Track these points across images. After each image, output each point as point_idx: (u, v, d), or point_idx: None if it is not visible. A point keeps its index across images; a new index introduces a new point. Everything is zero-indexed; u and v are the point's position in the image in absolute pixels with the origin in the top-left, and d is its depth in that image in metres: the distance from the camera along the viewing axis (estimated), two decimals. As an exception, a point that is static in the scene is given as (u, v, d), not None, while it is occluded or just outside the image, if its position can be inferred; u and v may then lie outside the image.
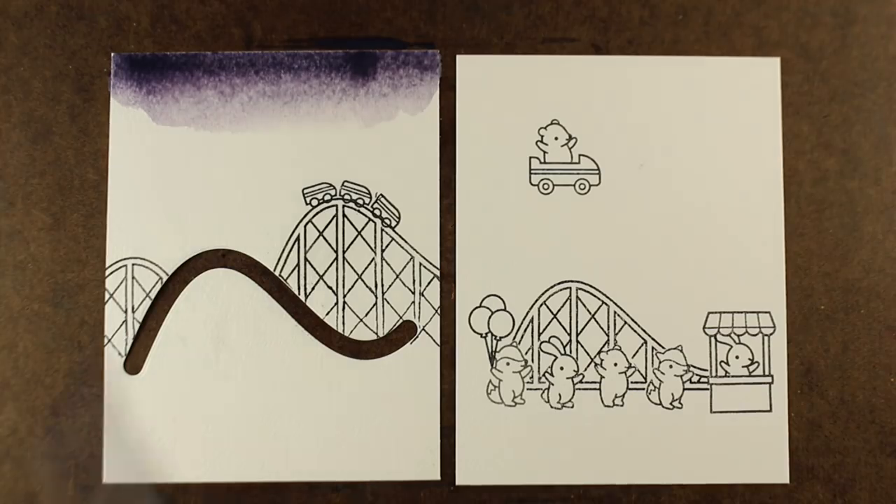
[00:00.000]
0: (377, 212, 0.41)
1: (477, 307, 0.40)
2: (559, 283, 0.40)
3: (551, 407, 0.40)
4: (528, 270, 0.40)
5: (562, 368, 0.40)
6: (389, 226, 0.41)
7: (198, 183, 0.41)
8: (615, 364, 0.40)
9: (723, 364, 0.40)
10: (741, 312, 0.40)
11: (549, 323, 0.40)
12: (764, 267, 0.41)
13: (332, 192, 0.41)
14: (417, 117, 0.41)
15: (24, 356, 0.40)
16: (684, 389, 0.40)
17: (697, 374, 0.40)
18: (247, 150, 0.41)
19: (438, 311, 0.40)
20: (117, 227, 0.40)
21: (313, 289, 0.40)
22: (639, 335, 0.40)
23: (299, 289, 0.40)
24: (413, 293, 0.40)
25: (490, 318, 0.40)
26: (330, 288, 0.40)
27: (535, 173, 0.41)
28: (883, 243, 0.41)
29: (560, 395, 0.40)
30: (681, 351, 0.40)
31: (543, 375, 0.40)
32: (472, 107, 0.41)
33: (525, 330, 0.40)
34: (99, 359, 0.40)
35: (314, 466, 0.39)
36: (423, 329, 0.40)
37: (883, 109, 0.41)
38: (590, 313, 0.40)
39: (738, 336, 0.40)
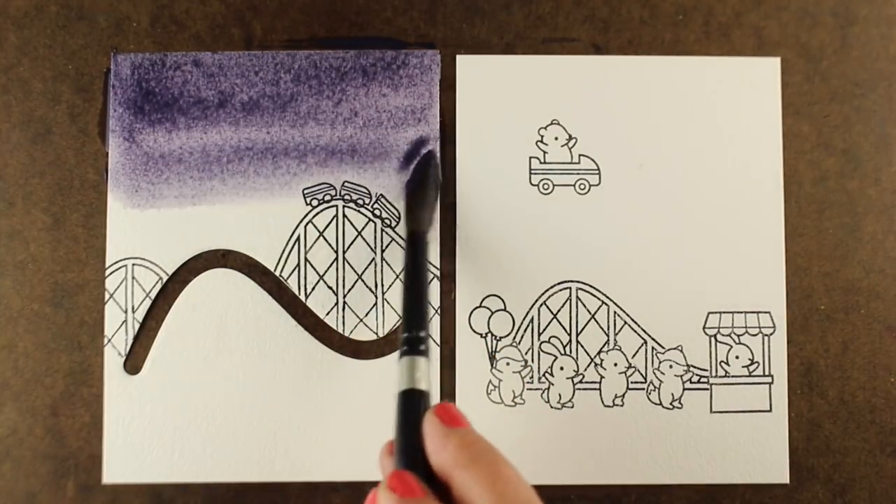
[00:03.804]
0: (377, 212, 0.41)
1: (477, 307, 0.40)
2: (559, 283, 0.40)
3: (551, 407, 0.40)
4: (528, 270, 0.40)
5: (562, 368, 0.40)
6: (389, 226, 0.41)
7: (197, 183, 0.41)
8: (615, 364, 0.40)
9: (723, 364, 0.40)
10: (741, 312, 0.40)
11: (549, 323, 0.40)
12: (764, 267, 0.41)
13: (332, 192, 0.41)
14: (417, 117, 0.41)
15: (24, 356, 0.40)
16: (684, 389, 0.40)
17: (697, 374, 0.40)
18: (247, 151, 0.41)
19: (438, 311, 0.40)
20: (117, 227, 0.40)
21: (313, 289, 0.40)
22: (639, 335, 0.40)
23: (299, 289, 0.40)
24: (413, 293, 0.40)
25: (490, 318, 0.40)
26: (330, 288, 0.40)
27: (535, 173, 0.41)
28: (883, 243, 0.41)
29: (560, 395, 0.40)
30: (681, 351, 0.40)
31: (543, 375, 0.40)
32: (472, 107, 0.41)
33: (525, 330, 0.40)
34: (99, 359, 0.40)
35: (314, 466, 0.39)
36: (423, 329, 0.40)
37: (883, 109, 0.41)
38: (590, 313, 0.40)
39: (738, 336, 0.40)
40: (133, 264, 0.40)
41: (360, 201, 0.41)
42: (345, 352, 0.40)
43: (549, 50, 0.41)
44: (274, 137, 0.41)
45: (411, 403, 0.31)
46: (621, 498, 0.40)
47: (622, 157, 0.41)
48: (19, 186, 0.40)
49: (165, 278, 0.40)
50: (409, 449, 0.29)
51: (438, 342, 0.40)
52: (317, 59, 0.41)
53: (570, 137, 0.41)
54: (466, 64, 0.41)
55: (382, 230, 0.41)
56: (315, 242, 0.41)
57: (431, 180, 0.39)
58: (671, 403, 0.40)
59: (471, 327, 0.40)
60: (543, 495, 0.39)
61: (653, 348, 0.40)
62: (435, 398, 0.40)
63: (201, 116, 0.41)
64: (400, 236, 0.41)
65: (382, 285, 0.40)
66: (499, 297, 0.40)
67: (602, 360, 0.40)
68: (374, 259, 0.41)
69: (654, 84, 0.41)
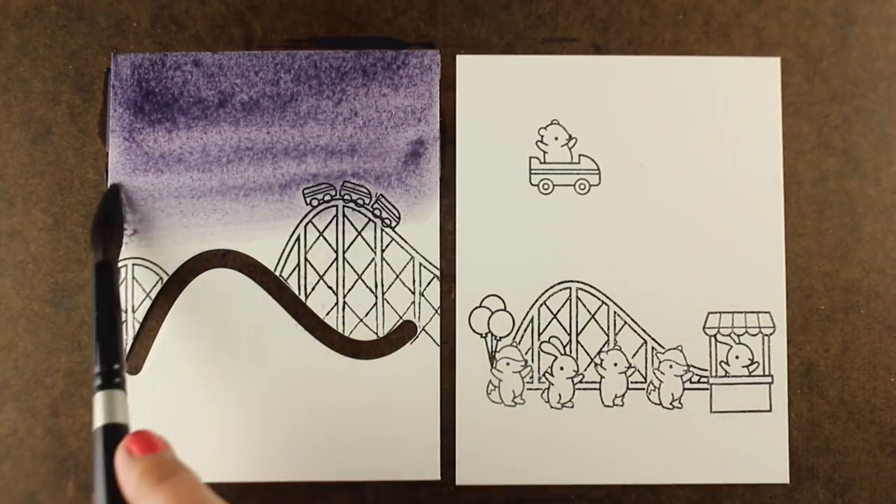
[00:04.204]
0: (377, 212, 0.41)
1: (477, 307, 0.40)
2: (559, 283, 0.40)
3: (551, 407, 0.40)
4: (528, 270, 0.40)
5: (562, 368, 0.40)
6: (389, 226, 0.41)
7: (197, 183, 0.41)
8: (615, 364, 0.40)
9: (723, 364, 0.40)
10: (741, 312, 0.40)
11: (549, 323, 0.40)
12: (764, 267, 0.41)
13: (332, 192, 0.41)
14: (417, 117, 0.41)
15: (24, 356, 0.40)
16: (684, 389, 0.40)
17: (697, 374, 0.40)
18: (247, 151, 0.41)
19: (438, 311, 0.40)
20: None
21: (313, 289, 0.40)
22: (639, 335, 0.40)
23: (299, 289, 0.40)
24: (413, 293, 0.40)
25: (490, 318, 0.40)
26: (330, 288, 0.40)
27: (535, 173, 0.41)
28: (883, 243, 0.41)
29: (560, 395, 0.40)
30: (681, 351, 0.40)
31: (543, 375, 0.40)
32: (472, 107, 0.41)
33: (525, 330, 0.40)
34: (99, 359, 0.40)
35: (314, 466, 0.39)
36: (423, 329, 0.40)
37: (883, 109, 0.41)
38: (590, 313, 0.40)
39: (738, 336, 0.40)
40: (133, 264, 0.40)
41: (360, 201, 0.41)
42: (345, 352, 0.40)
43: (549, 50, 0.41)
44: (274, 137, 0.41)
45: (109, 438, 0.30)
46: (621, 498, 0.40)
47: (622, 157, 0.41)
48: (19, 186, 0.40)
49: (165, 278, 0.40)
50: (109, 486, 0.29)
51: (438, 342, 0.40)
52: (317, 59, 0.41)
53: (570, 137, 0.41)
54: (466, 64, 0.41)
55: (382, 230, 0.41)
56: (315, 242, 0.41)
57: (114, 211, 0.39)
58: (671, 403, 0.40)
59: (471, 327, 0.40)
60: (544, 495, 0.40)
61: (653, 348, 0.40)
62: (435, 397, 0.40)
63: (201, 116, 0.41)
64: (400, 236, 0.41)
65: (382, 285, 0.40)
66: (499, 297, 0.40)
67: (602, 360, 0.40)
68: (374, 259, 0.41)
69: (654, 84, 0.41)
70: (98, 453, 0.30)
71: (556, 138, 0.41)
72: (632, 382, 0.40)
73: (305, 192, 0.41)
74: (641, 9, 0.41)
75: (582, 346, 0.40)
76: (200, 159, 0.41)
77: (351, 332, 0.40)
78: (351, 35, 0.41)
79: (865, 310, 0.40)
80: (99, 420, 0.31)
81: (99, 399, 0.32)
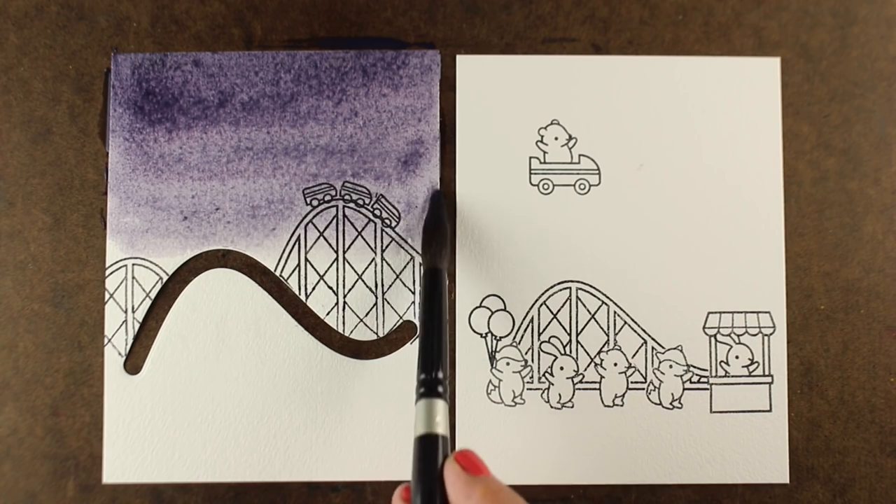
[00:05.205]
0: (377, 212, 0.41)
1: (477, 307, 0.40)
2: (559, 283, 0.40)
3: (551, 407, 0.40)
4: (528, 270, 0.40)
5: (562, 368, 0.40)
6: (389, 226, 0.41)
7: (197, 183, 0.41)
8: (615, 364, 0.40)
9: (723, 364, 0.40)
10: (741, 312, 0.40)
11: (549, 323, 0.40)
12: (764, 267, 0.41)
13: (333, 193, 0.41)
14: (417, 117, 0.41)
15: (24, 356, 0.40)
16: (684, 389, 0.40)
17: (697, 374, 0.40)
18: (247, 151, 0.41)
19: (438, 311, 0.40)
20: (117, 227, 0.40)
21: (314, 289, 0.40)
22: (639, 335, 0.40)
23: (300, 289, 0.40)
24: (413, 293, 0.40)
25: (490, 318, 0.40)
26: (330, 288, 0.40)
27: (535, 173, 0.41)
28: (883, 243, 0.41)
29: (560, 395, 0.40)
30: (681, 351, 0.40)
31: (543, 375, 0.40)
32: (472, 107, 0.41)
33: (525, 330, 0.40)
34: (99, 359, 0.40)
35: (314, 466, 0.39)
36: (423, 329, 0.40)
37: (883, 109, 0.41)
38: (590, 313, 0.40)
39: (738, 336, 0.40)
40: (133, 264, 0.40)
41: (360, 201, 0.41)
42: (345, 352, 0.40)
43: (549, 50, 0.41)
44: (274, 137, 0.41)
45: (429, 449, 0.30)
46: (621, 498, 0.40)
47: (622, 157, 0.41)
48: (19, 186, 0.40)
49: (165, 278, 0.40)
50: (429, 496, 0.29)
51: (438, 342, 0.40)
52: (317, 59, 0.41)
53: (570, 137, 0.41)
54: (466, 64, 0.41)
55: (382, 230, 0.41)
56: (315, 242, 0.41)
57: (445, 218, 0.39)
58: (671, 403, 0.40)
59: (471, 327, 0.40)
60: (544, 495, 0.40)
61: (653, 348, 0.40)
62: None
63: (201, 116, 0.41)
64: (400, 236, 0.41)
65: (382, 285, 0.40)
66: (499, 297, 0.40)
67: (602, 360, 0.40)
68: (374, 259, 0.41)
69: (654, 84, 0.41)
70: (418, 463, 0.30)
71: (556, 138, 0.41)
72: (632, 382, 0.40)
73: (305, 192, 0.41)
74: (641, 9, 0.41)
75: (582, 346, 0.40)
76: (200, 159, 0.41)
77: (351, 332, 0.40)
78: (351, 35, 0.41)
79: (865, 310, 0.41)
80: (418, 429, 0.31)
81: (420, 407, 0.31)
